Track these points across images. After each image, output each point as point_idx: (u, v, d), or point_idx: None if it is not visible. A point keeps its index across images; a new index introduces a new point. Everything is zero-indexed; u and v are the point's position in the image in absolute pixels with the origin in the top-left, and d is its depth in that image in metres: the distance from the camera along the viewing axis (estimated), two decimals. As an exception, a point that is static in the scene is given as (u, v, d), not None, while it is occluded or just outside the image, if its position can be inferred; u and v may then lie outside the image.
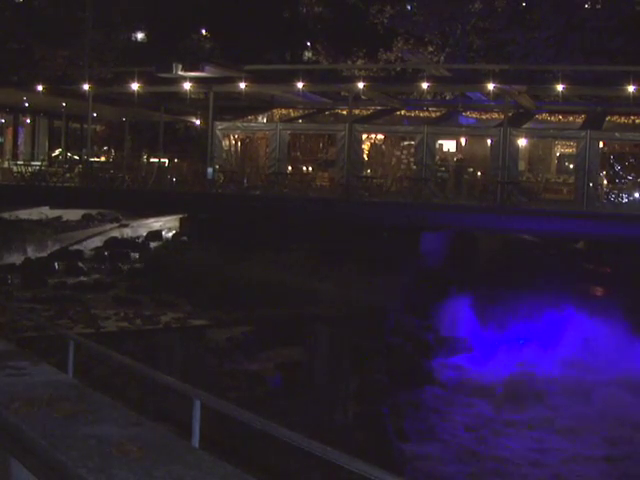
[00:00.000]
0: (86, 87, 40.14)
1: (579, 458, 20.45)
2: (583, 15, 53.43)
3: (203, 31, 63.46)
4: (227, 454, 9.62)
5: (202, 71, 37.60)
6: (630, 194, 36.50)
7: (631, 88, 33.19)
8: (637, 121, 39.65)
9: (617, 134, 37.26)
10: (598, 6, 56.02)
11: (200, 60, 40.30)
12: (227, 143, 42.09)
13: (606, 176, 38.41)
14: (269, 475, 15.33)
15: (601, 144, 36.02)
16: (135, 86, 39.02)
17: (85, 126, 45.83)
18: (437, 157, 40.05)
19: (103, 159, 51.02)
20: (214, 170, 39.24)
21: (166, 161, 46.21)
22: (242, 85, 37.57)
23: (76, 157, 48.20)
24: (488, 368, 26.43)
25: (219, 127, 40.65)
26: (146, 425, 7.36)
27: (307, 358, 23.91)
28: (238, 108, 43.93)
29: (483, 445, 20.94)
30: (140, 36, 62.85)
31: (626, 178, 39.33)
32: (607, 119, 38.93)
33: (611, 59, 46.82)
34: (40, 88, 40.56)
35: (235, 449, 14.18)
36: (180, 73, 37.43)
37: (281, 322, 26.95)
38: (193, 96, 43.07)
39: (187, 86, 38.65)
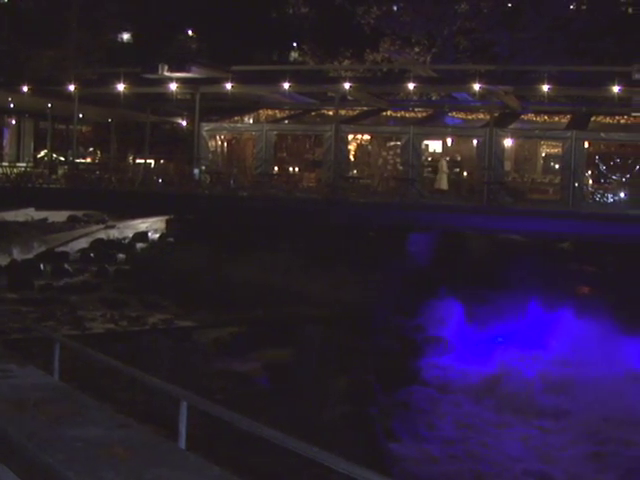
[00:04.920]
0: (72, 88, 40.02)
1: (566, 455, 20.51)
2: (569, 16, 53.65)
3: (189, 32, 63.44)
4: (215, 455, 9.60)
5: (188, 72, 37.60)
6: (615, 194, 36.62)
7: (616, 88, 33.31)
8: (622, 121, 39.81)
9: (602, 134, 37.39)
10: (583, 7, 56.28)
11: (186, 61, 40.29)
12: (213, 144, 42.07)
13: (591, 176, 38.54)
14: (257, 476, 15.33)
15: (586, 144, 36.15)
16: (121, 87, 38.92)
17: (71, 127, 45.70)
18: (425, 157, 40.14)
19: (89, 160, 50.91)
20: (200, 171, 39.21)
21: (152, 162, 46.13)
22: (228, 86, 37.54)
23: (62, 158, 48.07)
24: (475, 367, 26.44)
25: (205, 128, 40.60)
26: (133, 427, 7.34)
27: (295, 359, 23.93)
28: (224, 109, 43.89)
29: (471, 445, 20.96)
30: (126, 37, 62.75)
31: (611, 178, 39.45)
32: (592, 119, 39.06)
33: (596, 60, 46.97)
34: (25, 89, 40.41)
35: (223, 450, 14.17)
36: (166, 74, 37.41)
37: (269, 323, 26.94)
38: (179, 97, 43.02)
39: (173, 87, 38.59)
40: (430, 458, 19.84)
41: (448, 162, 39.02)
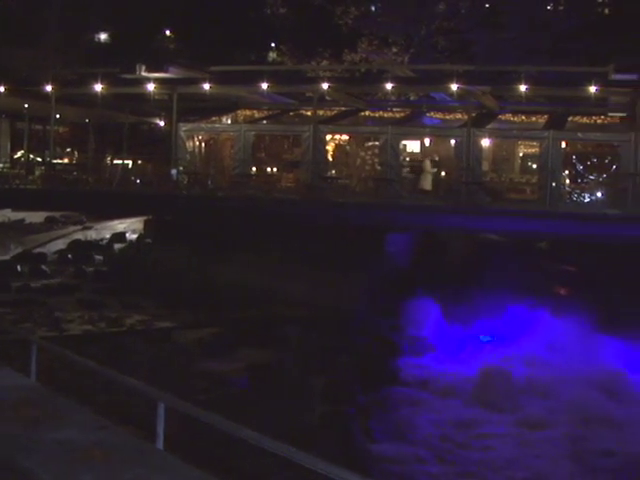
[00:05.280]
0: (49, 88, 39.83)
1: (546, 455, 20.56)
2: (546, 17, 53.89)
3: (167, 32, 63.26)
4: (193, 456, 9.59)
5: (166, 72, 37.52)
6: (592, 193, 36.77)
7: (593, 89, 33.45)
8: (599, 121, 40.00)
9: (579, 134, 37.54)
10: (561, 8, 56.54)
11: (164, 61, 40.19)
12: (191, 144, 41.96)
13: (569, 176, 38.67)
14: (236, 477, 15.31)
15: (564, 144, 36.28)
16: (99, 87, 38.76)
17: (48, 127, 45.46)
18: (403, 157, 40.19)
19: (66, 161, 50.68)
20: (178, 171, 39.12)
21: (130, 163, 45.98)
22: (206, 86, 37.46)
23: (39, 159, 47.85)
24: (454, 367, 26.49)
25: (183, 128, 40.49)
26: (111, 429, 7.33)
27: (275, 359, 23.92)
28: (203, 109, 43.78)
29: (450, 445, 20.98)
30: (104, 37, 62.50)
31: (588, 178, 39.63)
32: (569, 119, 39.21)
33: (573, 60, 47.16)
34: (2, 89, 40.19)
35: (202, 451, 14.14)
36: (144, 74, 37.31)
37: (248, 323, 26.91)
38: (157, 97, 42.87)
39: (151, 87, 38.47)
40: (409, 458, 19.84)
41: (432, 162, 39.05)
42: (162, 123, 49.83)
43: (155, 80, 38.15)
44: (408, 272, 30.33)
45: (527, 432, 21.96)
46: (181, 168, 39.62)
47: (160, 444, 7.03)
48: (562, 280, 31.13)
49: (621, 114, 39.13)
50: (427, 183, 37.98)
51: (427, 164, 38.43)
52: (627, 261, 29.24)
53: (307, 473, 6.57)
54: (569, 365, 25.63)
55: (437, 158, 40.24)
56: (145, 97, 41.67)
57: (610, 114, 39.82)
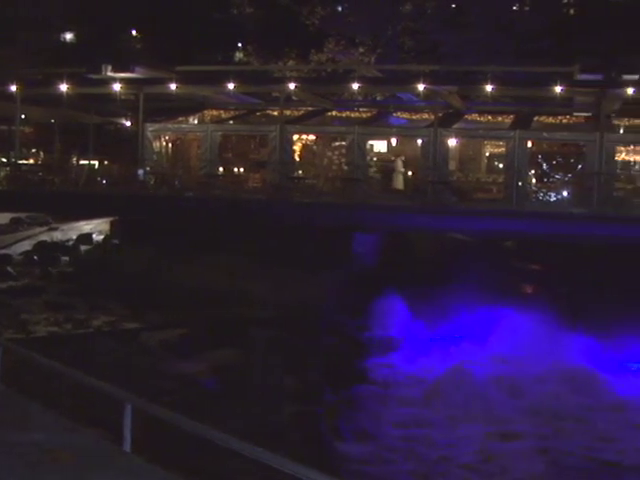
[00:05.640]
0: (14, 88, 39.49)
1: (514, 452, 20.65)
2: (512, 17, 54.16)
3: (133, 32, 62.98)
4: (161, 458, 9.55)
5: (132, 72, 37.30)
6: (558, 193, 37.00)
7: (558, 89, 33.64)
8: (564, 121, 40.24)
9: (545, 134, 37.76)
10: (526, 8, 56.85)
11: (130, 61, 39.98)
12: (158, 145, 41.76)
13: (535, 175, 38.89)
14: (204, 479, 15.27)
15: (529, 144, 36.45)
16: (64, 87, 38.50)
17: (13, 128, 45.09)
18: (370, 157, 40.23)
19: (32, 161, 50.30)
20: (145, 172, 38.94)
21: (96, 163, 45.71)
22: (173, 86, 37.32)
23: (4, 160, 47.46)
24: (422, 366, 26.60)
25: (150, 129, 40.29)
26: (78, 431, 7.29)
27: (243, 360, 23.89)
28: (169, 109, 43.60)
29: (417, 444, 21.03)
30: (69, 37, 62.14)
31: (554, 177, 39.87)
32: (535, 119, 39.42)
33: (539, 60, 47.40)
34: (-34, 89, 39.86)
35: (170, 453, 14.09)
36: (110, 74, 37.08)
37: (216, 324, 26.87)
38: (123, 97, 42.64)
39: (117, 87, 38.26)
40: (377, 457, 19.88)
41: (404, 162, 39.11)
42: (128, 123, 49.57)
43: (121, 80, 37.94)
44: (376, 272, 30.40)
45: (495, 430, 22.06)
46: (148, 168, 39.44)
47: (127, 446, 7.00)
48: (529, 279, 31.32)
49: (586, 114, 39.39)
50: (399, 183, 38.07)
51: (399, 164, 38.52)
52: (593, 260, 29.48)
53: (276, 474, 6.57)
54: (536, 363, 25.80)
55: (403, 158, 40.31)
56: (111, 97, 41.44)
57: (575, 114, 40.08)
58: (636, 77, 32.16)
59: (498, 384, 24.97)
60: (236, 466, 14.17)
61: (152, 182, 39.25)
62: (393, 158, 40.12)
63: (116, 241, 36.36)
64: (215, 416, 16.20)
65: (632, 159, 40.19)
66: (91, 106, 44.43)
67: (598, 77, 32.53)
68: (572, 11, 59.86)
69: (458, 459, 20.21)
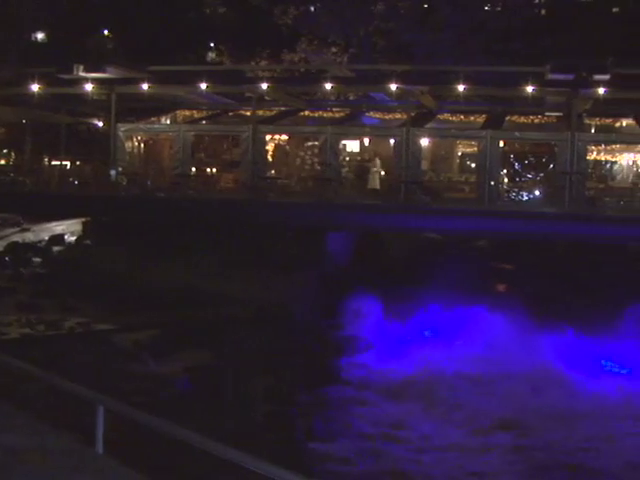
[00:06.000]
0: (-16, 88, 39.29)
1: (486, 450, 20.75)
2: (484, 17, 54.35)
3: (105, 31, 62.73)
4: (134, 460, 9.52)
5: (104, 72, 37.10)
6: (530, 192, 37.16)
7: (530, 88, 33.79)
8: (536, 121, 40.42)
9: (517, 133, 37.88)
10: (498, 9, 57.06)
11: (102, 61, 39.78)
12: (130, 145, 41.58)
13: (507, 174, 39.02)
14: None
15: (501, 143, 36.57)
16: (35, 87, 38.27)
17: (-16, 129, 44.87)
18: (343, 157, 40.25)
19: (3, 162, 50.01)
20: (117, 172, 38.78)
21: (68, 164, 45.49)
22: (145, 86, 37.18)
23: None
24: (395, 365, 26.66)
25: (122, 129, 40.11)
26: (50, 433, 7.24)
27: (217, 360, 23.86)
28: (142, 109, 43.44)
29: (391, 442, 21.09)
30: (40, 36, 61.82)
31: (526, 176, 40.03)
32: (507, 119, 39.55)
33: (511, 60, 47.60)
34: (-64, 90, 39.55)
35: (143, 454, 14.06)
36: (81, 74, 36.86)
37: (189, 325, 26.82)
38: (95, 97, 42.43)
39: (89, 87, 38.07)
40: (350, 457, 19.91)
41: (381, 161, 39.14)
42: (100, 124, 49.37)
43: (93, 80, 37.74)
44: (349, 271, 30.44)
45: (467, 428, 22.15)
46: (120, 169, 39.26)
47: (100, 448, 6.97)
48: (501, 277, 31.46)
49: (558, 113, 39.57)
50: (377, 182, 38.10)
51: (377, 163, 38.54)
52: (565, 258, 29.66)
53: (250, 475, 6.56)
54: (508, 360, 25.91)
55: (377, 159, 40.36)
56: (83, 97, 41.24)
57: (547, 113, 40.25)
58: (607, 77, 32.33)
59: (470, 382, 25.08)
60: (210, 467, 14.15)
61: (124, 183, 39.10)
62: (369, 157, 40.14)
63: (88, 242, 36.19)
64: (188, 417, 16.17)
65: (603, 158, 40.43)
66: (63, 106, 44.21)
67: (569, 77, 32.65)
68: (543, 11, 60.18)
69: (431, 457, 20.28)
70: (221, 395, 21.47)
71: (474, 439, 21.59)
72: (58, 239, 37.54)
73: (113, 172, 38.39)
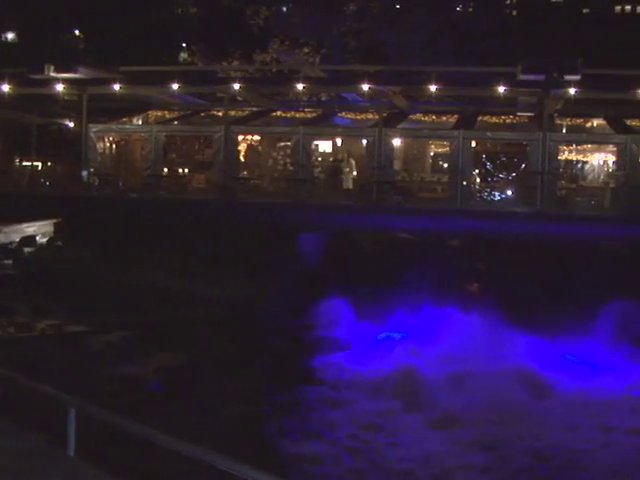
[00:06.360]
0: (-46, 89, 38.97)
1: (462, 450, 20.78)
2: (456, 18, 54.59)
3: (76, 32, 62.43)
4: (107, 462, 9.47)
5: (75, 72, 36.96)
6: (502, 192, 37.32)
7: (501, 89, 33.97)
8: (508, 121, 40.63)
9: (489, 133, 38.07)
10: (470, 9, 57.36)
11: (73, 61, 39.58)
12: (102, 145, 41.43)
13: (479, 174, 39.16)
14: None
15: (473, 143, 36.74)
16: (6, 88, 38.06)
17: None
18: (315, 157, 40.25)
19: (-27, 163, 49.66)
20: (89, 173, 38.62)
21: (39, 164, 45.25)
22: (117, 87, 37.08)
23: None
24: (369, 365, 26.64)
25: (93, 129, 39.98)
26: (21, 436, 7.19)
27: (189, 361, 23.80)
28: (113, 110, 43.28)
29: (365, 443, 21.09)
30: (11, 36, 61.45)
31: (498, 176, 40.20)
32: (479, 119, 39.73)
33: (482, 60, 47.82)
34: None
35: (116, 456, 13.98)
36: (52, 74, 36.70)
37: (162, 326, 26.73)
38: (67, 98, 42.23)
39: (60, 88, 37.90)
40: (325, 457, 19.89)
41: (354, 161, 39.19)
42: (72, 124, 49.13)
43: (64, 80, 37.58)
44: (321, 271, 30.41)
45: (442, 428, 22.18)
46: (92, 169, 39.13)
47: (71, 451, 6.92)
48: (474, 277, 31.53)
49: (529, 114, 39.78)
50: (349, 183, 38.18)
51: (352, 164, 38.59)
52: (537, 258, 29.77)
53: (223, 476, 6.54)
54: (482, 361, 25.96)
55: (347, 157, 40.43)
56: (54, 98, 41.01)
57: (519, 114, 40.47)
58: (578, 77, 32.55)
59: (444, 382, 25.11)
60: (183, 468, 14.10)
61: (96, 183, 38.95)
62: (341, 158, 40.16)
63: (60, 243, 35.98)
64: (161, 418, 16.11)
65: (574, 158, 40.66)
66: (34, 107, 43.96)
67: (540, 77, 32.84)
68: (514, 12, 60.55)
69: (405, 457, 20.30)
70: (193, 396, 21.41)
71: (449, 437, 21.61)
72: (29, 240, 37.25)
73: (85, 173, 38.24)
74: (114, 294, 28.87)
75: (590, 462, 20.19)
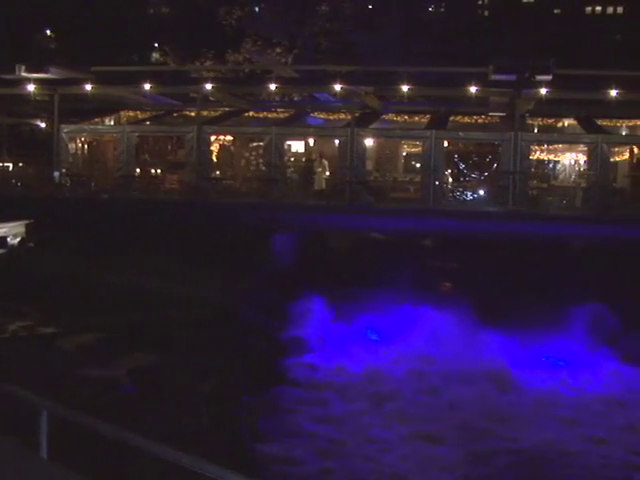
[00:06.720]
0: None
1: (433, 451, 20.85)
2: (428, 18, 54.78)
3: (48, 31, 62.17)
4: (80, 465, 9.44)
5: (46, 72, 36.78)
6: (474, 191, 37.46)
7: (473, 89, 34.13)
8: (480, 121, 40.80)
9: (461, 133, 38.22)
10: (442, 10, 57.58)
11: (45, 61, 39.40)
12: (74, 146, 41.25)
13: (451, 174, 39.31)
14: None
15: (446, 143, 36.86)
16: (-24, 88, 37.89)
17: None
18: (288, 157, 40.24)
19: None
20: (61, 174, 38.45)
21: (10, 165, 44.98)
22: (88, 87, 36.94)
23: None
24: (342, 365, 26.69)
25: (65, 130, 39.80)
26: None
27: (162, 362, 23.72)
28: (85, 110, 43.11)
29: (337, 444, 21.12)
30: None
31: (470, 176, 40.35)
32: (451, 119, 39.86)
33: (455, 61, 47.99)
34: None
35: (89, 459, 13.94)
36: (24, 74, 36.51)
37: (135, 327, 26.62)
38: (38, 98, 42.03)
39: (31, 88, 37.73)
40: (297, 457, 19.91)
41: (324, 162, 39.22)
42: (43, 125, 48.88)
43: (35, 81, 37.41)
44: (295, 271, 30.42)
45: (415, 428, 22.25)
46: (64, 170, 38.95)
47: (44, 453, 6.90)
48: (446, 277, 31.63)
49: (501, 114, 39.97)
50: (322, 183, 38.22)
51: (325, 164, 38.63)
52: (508, 257, 29.89)
53: (196, 477, 6.54)
54: (453, 359, 26.07)
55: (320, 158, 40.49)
56: (25, 98, 40.81)
57: (491, 114, 40.65)
58: (549, 77, 32.73)
59: (417, 382, 25.19)
60: (156, 470, 14.08)
61: (68, 184, 38.78)
62: (314, 158, 40.20)
63: (32, 244, 35.77)
64: (135, 420, 16.07)
65: (546, 158, 40.90)
66: (4, 107, 43.72)
67: (512, 77, 33.00)
68: (486, 13, 60.83)
69: (379, 457, 20.35)
70: (167, 397, 21.35)
71: (421, 436, 21.69)
72: (0, 242, 37.02)
73: (56, 174, 38.06)
74: (87, 295, 28.74)
75: (558, 461, 20.34)
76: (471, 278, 30.03)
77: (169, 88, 40.54)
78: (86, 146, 43.15)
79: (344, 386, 25.07)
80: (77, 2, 57.68)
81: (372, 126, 38.25)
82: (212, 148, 40.23)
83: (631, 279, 28.16)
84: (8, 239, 37.36)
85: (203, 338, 25.27)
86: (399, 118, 41.57)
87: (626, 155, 39.14)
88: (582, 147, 37.32)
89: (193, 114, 41.06)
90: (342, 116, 40.96)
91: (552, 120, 40.25)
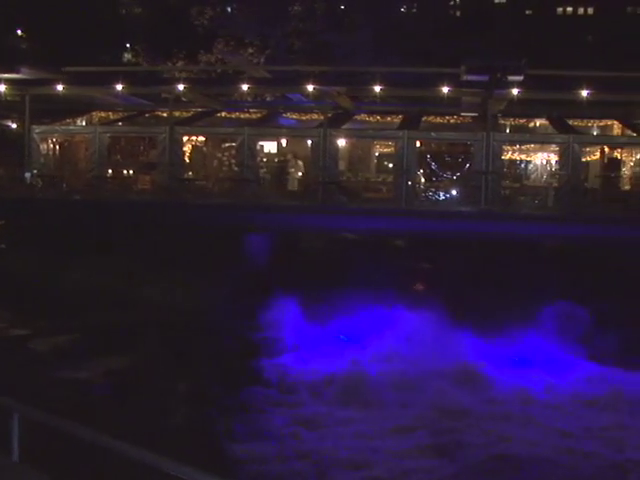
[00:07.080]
0: None
1: (409, 452, 20.90)
2: (400, 18, 54.91)
3: (19, 31, 61.76)
4: (53, 467, 9.41)
5: (17, 72, 36.56)
6: (447, 192, 37.57)
7: (446, 89, 34.22)
8: (452, 121, 40.92)
9: (433, 134, 38.25)
10: (414, 10, 57.73)
11: (15, 61, 39.17)
12: (45, 147, 41.01)
13: (423, 174, 39.38)
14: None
15: (418, 143, 36.92)
16: (-54, 89, 37.60)
17: None
18: (261, 158, 40.20)
19: None
20: (32, 175, 38.24)
21: (-20, 166, 44.69)
22: (60, 87, 36.75)
23: None
24: (316, 366, 26.71)
25: (36, 130, 39.57)
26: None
27: (136, 364, 23.69)
28: (57, 111, 42.87)
29: (312, 444, 21.14)
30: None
31: (442, 176, 40.45)
32: (423, 119, 39.94)
33: (427, 61, 48.12)
34: None
35: (62, 461, 13.89)
36: (-6, 74, 36.29)
37: (108, 329, 26.56)
38: (9, 98, 41.76)
39: (2, 88, 37.51)
40: (272, 458, 19.93)
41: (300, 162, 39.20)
42: (14, 125, 48.57)
43: (6, 81, 37.18)
44: (268, 273, 30.42)
45: (390, 426, 22.31)
46: (35, 171, 38.72)
47: (16, 456, 6.88)
48: (419, 277, 31.72)
49: (473, 114, 40.11)
50: (295, 183, 38.20)
51: (300, 164, 38.61)
52: (480, 257, 30.03)
53: (171, 478, 6.54)
54: (427, 360, 26.15)
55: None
56: (-5, 98, 40.59)
57: (463, 114, 40.78)
58: (521, 78, 32.87)
59: (392, 382, 25.25)
60: (130, 472, 14.04)
61: (39, 185, 38.56)
62: (287, 158, 40.17)
63: (3, 246, 35.59)
64: (108, 422, 16.03)
65: (518, 158, 41.10)
66: (-27, 108, 43.44)
67: (484, 78, 33.10)
68: (458, 13, 61.04)
69: (354, 457, 20.38)
70: (140, 399, 21.32)
71: (396, 437, 21.75)
72: (-29, 244, 36.83)
73: (28, 174, 37.85)
74: (59, 297, 28.64)
75: (526, 458, 20.46)
76: (444, 278, 30.13)
77: (141, 88, 40.37)
78: (57, 147, 42.90)
79: (319, 386, 25.14)
80: (48, 2, 57.31)
81: (345, 126, 38.28)
82: (184, 149, 40.10)
83: (602, 278, 28.36)
84: (-21, 241, 37.18)
85: (176, 340, 25.26)
86: (371, 118, 41.65)
87: (597, 155, 39.35)
88: (554, 147, 37.46)
89: (165, 115, 40.96)
90: (315, 116, 40.97)
91: (524, 120, 40.46)
